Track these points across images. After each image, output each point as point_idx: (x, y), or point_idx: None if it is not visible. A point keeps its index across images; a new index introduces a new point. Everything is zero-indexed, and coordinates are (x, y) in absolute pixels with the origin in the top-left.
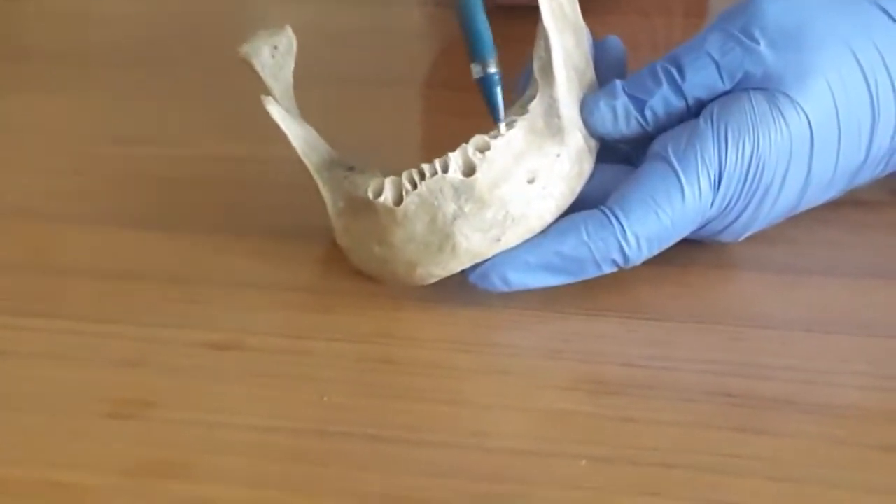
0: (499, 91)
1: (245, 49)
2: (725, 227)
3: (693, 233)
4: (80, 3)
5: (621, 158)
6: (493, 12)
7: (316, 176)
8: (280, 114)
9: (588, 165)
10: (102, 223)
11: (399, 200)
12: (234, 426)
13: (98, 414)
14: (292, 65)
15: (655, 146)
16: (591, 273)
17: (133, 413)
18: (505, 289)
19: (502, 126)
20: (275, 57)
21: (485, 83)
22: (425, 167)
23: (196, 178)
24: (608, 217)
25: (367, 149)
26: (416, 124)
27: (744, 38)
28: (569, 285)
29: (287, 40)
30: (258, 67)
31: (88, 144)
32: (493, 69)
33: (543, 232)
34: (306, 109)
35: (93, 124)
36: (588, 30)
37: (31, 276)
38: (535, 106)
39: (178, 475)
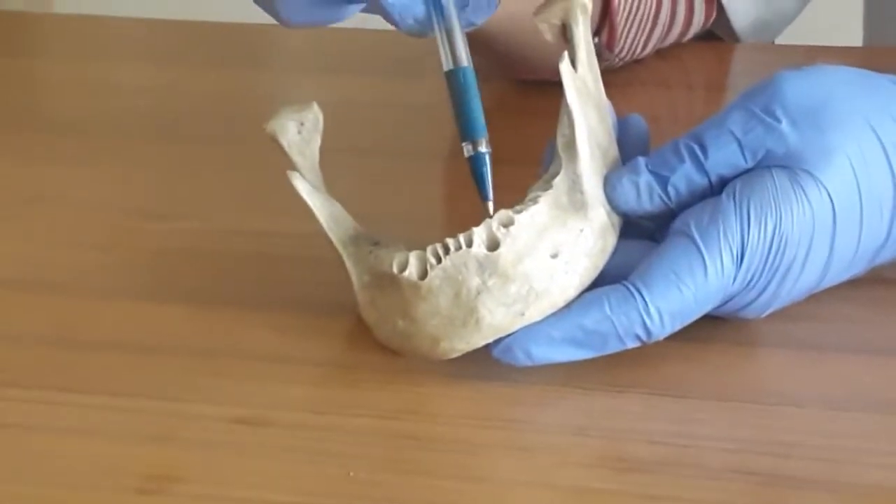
0: (487, 171)
1: (271, 126)
2: (748, 304)
3: (715, 309)
4: (108, 74)
5: (644, 235)
6: (514, 85)
7: (341, 250)
8: (306, 189)
9: (611, 241)
10: (128, 297)
11: (423, 275)
12: (260, 501)
13: (126, 489)
14: (318, 140)
15: (678, 222)
16: (615, 347)
17: (160, 488)
18: (528, 363)
19: (490, 205)
20: (301, 133)
21: (474, 162)
22: (450, 242)
23: (222, 251)
24: (631, 292)
25: (393, 222)
26: (442, 197)
27: (765, 117)
28: (592, 361)
29: (313, 116)
30: (284, 144)
31: (114, 218)
32: (483, 148)
33: (567, 306)
34: (332, 183)
35: (119, 197)
36: (611, 105)
37: (57, 350)
38: (559, 182)
39: None
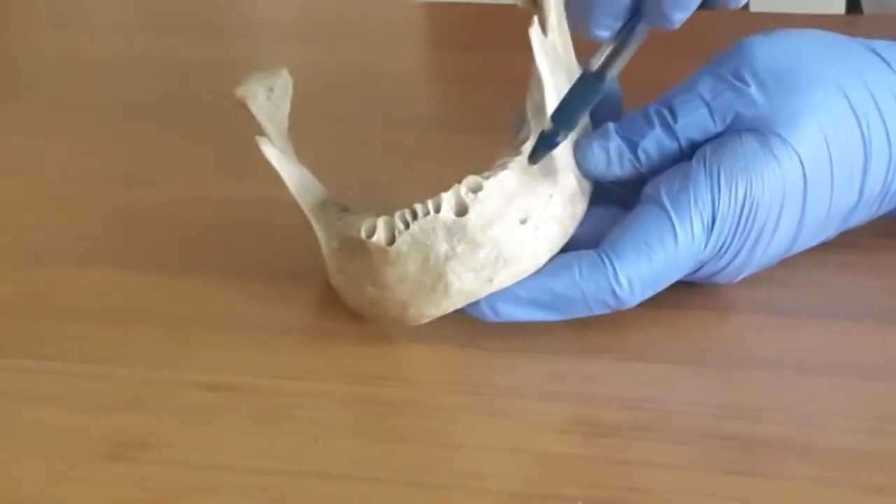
0: (544, 151)
1: (241, 91)
2: (720, 270)
3: (687, 275)
4: (78, 42)
5: (616, 201)
6: (484, 52)
7: (310, 216)
8: (274, 154)
9: (581, 207)
10: (97, 265)
11: (392, 240)
12: (230, 468)
13: (94, 456)
14: (288, 107)
15: (648, 189)
16: (582, 313)
17: (129, 455)
18: (494, 318)
19: (520, 140)
20: (270, 99)
21: (544, 139)
22: (418, 207)
23: (191, 219)
24: (601, 259)
25: (363, 190)
26: (413, 166)
27: (735, 81)
28: (563, 326)
29: (283, 82)
30: (254, 109)
31: (83, 186)
32: (559, 138)
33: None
34: (302, 151)
35: (87, 165)
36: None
37: (26, 317)
38: (528, 147)
39: None
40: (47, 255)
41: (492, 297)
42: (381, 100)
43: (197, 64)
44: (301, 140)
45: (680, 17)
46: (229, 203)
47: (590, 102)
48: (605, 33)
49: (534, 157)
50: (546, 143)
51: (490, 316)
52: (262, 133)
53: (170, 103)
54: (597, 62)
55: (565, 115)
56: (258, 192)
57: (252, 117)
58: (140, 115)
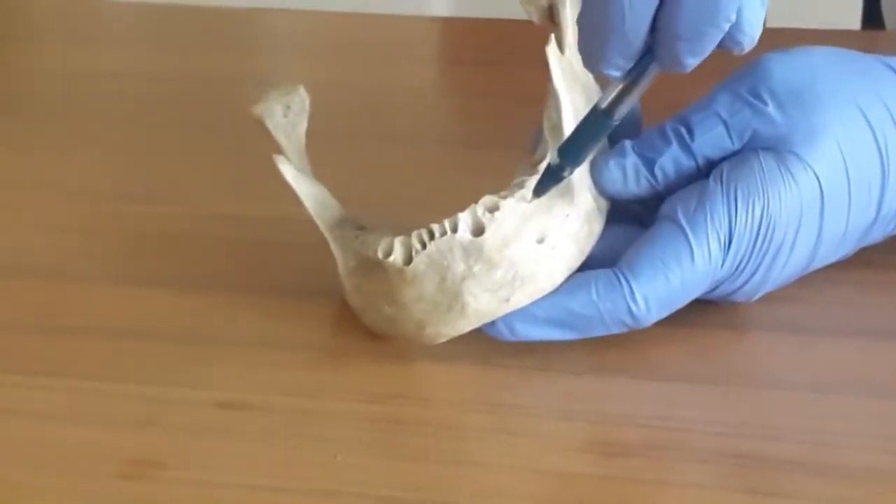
0: (550, 186)
1: (258, 109)
2: (737, 289)
3: (704, 293)
4: (94, 58)
5: (633, 219)
6: (502, 69)
7: (327, 235)
8: (291, 173)
9: (598, 226)
10: (111, 282)
11: (408, 260)
12: (246, 487)
13: (108, 475)
14: (305, 124)
15: (665, 208)
16: (599, 332)
17: (143, 474)
18: (510, 338)
19: (537, 159)
20: (287, 116)
21: (550, 173)
22: (435, 227)
23: (206, 236)
24: (618, 278)
25: (381, 207)
26: (430, 182)
27: (752, 99)
28: (579, 345)
29: (300, 99)
30: (271, 127)
31: (96, 203)
32: (565, 174)
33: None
34: (319, 167)
35: (101, 182)
36: (599, 89)
37: (38, 335)
38: (542, 167)
39: None
40: (62, 271)
41: (508, 317)
42: (397, 116)
43: (213, 80)
44: (318, 157)
45: (692, 62)
46: (245, 220)
47: (598, 139)
48: (616, 73)
49: (538, 191)
50: (552, 177)
51: (507, 335)
52: (280, 150)
53: (185, 120)
54: (606, 100)
55: (572, 150)
56: (275, 209)
57: (269, 135)
58: (156, 132)
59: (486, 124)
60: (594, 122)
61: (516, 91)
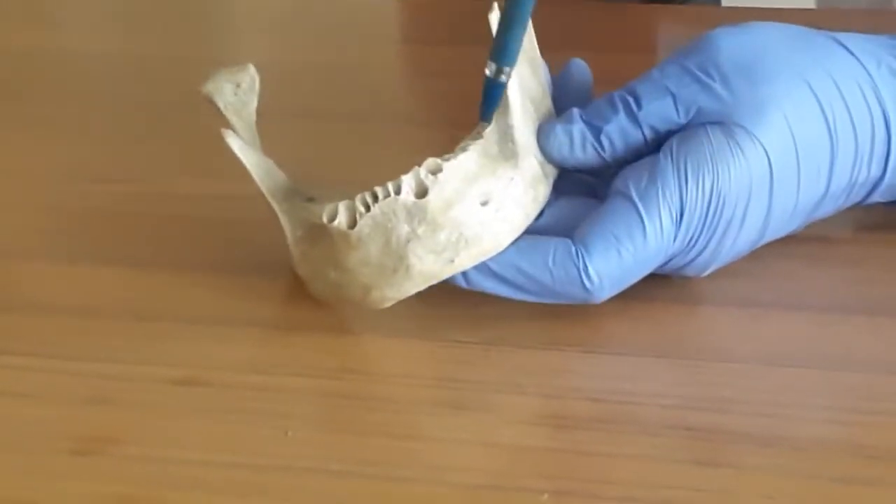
0: (498, 98)
1: (208, 87)
2: (689, 263)
3: (656, 268)
4: (44, 40)
5: (588, 192)
6: (451, 47)
7: (275, 206)
8: (239, 145)
9: (544, 191)
10: (63, 260)
11: (353, 224)
12: (197, 462)
13: (62, 451)
14: (255, 102)
15: (617, 182)
16: (550, 300)
17: (97, 450)
18: (463, 285)
19: (482, 126)
20: (237, 94)
21: (491, 85)
22: (378, 189)
23: (158, 215)
24: (576, 251)
25: (332, 184)
26: (383, 160)
27: (699, 74)
28: (533, 319)
29: (250, 78)
30: (221, 105)
31: (54, 181)
32: (503, 78)
33: (515, 245)
34: (272, 146)
35: (58, 161)
36: (545, 64)
37: None
38: (490, 132)
39: None
40: (13, 250)
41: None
42: (351, 94)
43: (165, 60)
44: (270, 136)
45: None
46: (196, 198)
47: (522, 25)
48: None
49: (486, 113)
50: (494, 91)
51: (460, 282)
52: (231, 129)
53: (138, 100)
54: None
55: (502, 48)
56: (225, 187)
57: (220, 114)
58: (108, 112)
59: (441, 103)
60: (512, 6)
61: (472, 70)
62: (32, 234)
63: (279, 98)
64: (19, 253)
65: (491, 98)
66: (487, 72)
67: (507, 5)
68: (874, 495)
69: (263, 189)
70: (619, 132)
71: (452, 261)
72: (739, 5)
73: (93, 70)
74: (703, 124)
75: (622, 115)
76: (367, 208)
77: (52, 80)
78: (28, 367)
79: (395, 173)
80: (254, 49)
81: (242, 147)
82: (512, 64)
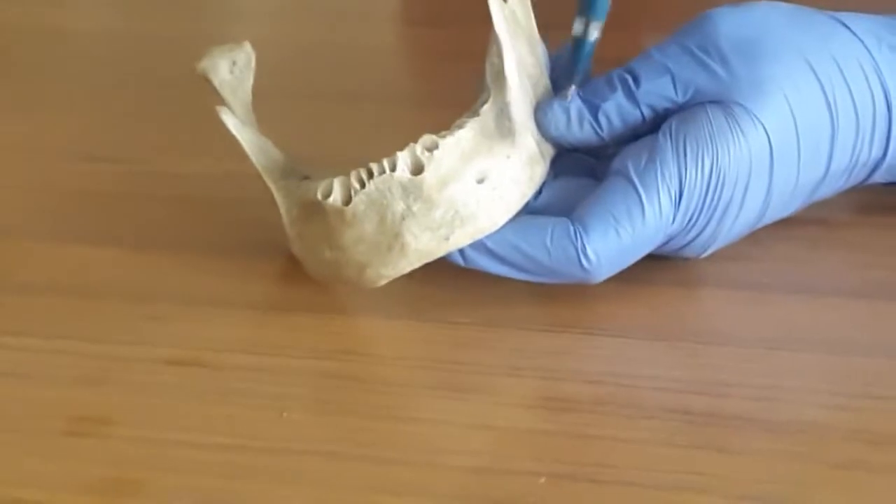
0: (587, 57)
1: (203, 64)
2: (688, 243)
3: (655, 248)
4: (38, 18)
5: (587, 172)
6: (446, 29)
7: (271, 184)
8: (234, 123)
9: (541, 170)
10: (60, 240)
11: (348, 200)
12: (194, 444)
13: (55, 432)
14: (251, 80)
15: (616, 163)
16: (548, 279)
17: (91, 431)
18: (461, 263)
19: (573, 88)
20: (233, 72)
21: (578, 43)
22: (373, 166)
23: (156, 195)
24: (574, 229)
25: (329, 164)
26: (381, 141)
27: (699, 53)
28: (530, 300)
29: (245, 56)
30: (216, 83)
31: (49, 160)
32: (593, 34)
33: (513, 223)
34: (268, 125)
35: (54, 140)
36: (542, 41)
37: None
38: (487, 109)
39: (135, 493)
40: (6, 229)
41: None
42: (349, 75)
43: (161, 39)
44: (267, 115)
45: None
46: (192, 178)
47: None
48: None
49: (576, 73)
50: (582, 47)
51: (457, 259)
52: (226, 107)
53: (133, 79)
54: None
55: (590, 1)
56: (223, 167)
57: (215, 91)
58: (103, 91)
59: (439, 83)
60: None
61: (471, 51)
62: (25, 214)
63: (277, 77)
64: (12, 232)
65: (579, 56)
66: (574, 30)
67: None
68: (875, 480)
69: (259, 167)
70: (617, 110)
71: (448, 238)
72: None
73: (88, 48)
74: (703, 104)
75: (620, 94)
76: (363, 185)
77: (47, 60)
78: (20, 346)
79: (393, 153)
80: (251, 28)
81: (237, 125)
82: (602, 19)
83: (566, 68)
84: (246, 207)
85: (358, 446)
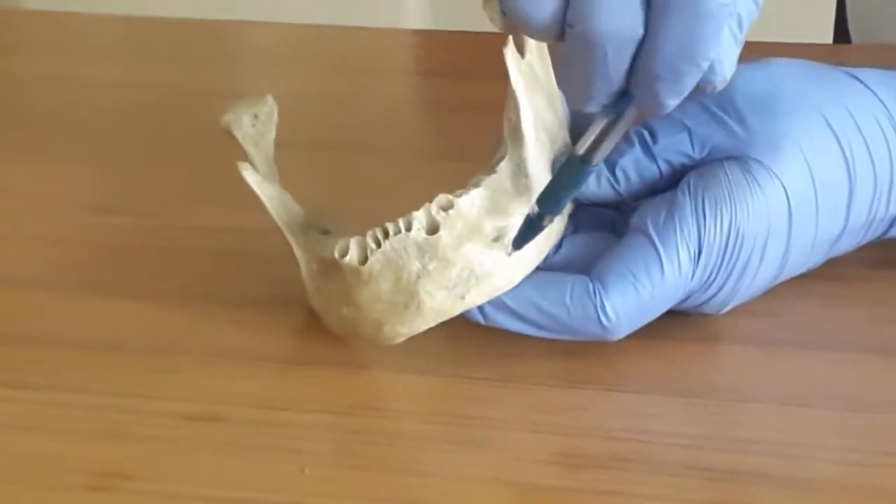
0: (532, 235)
1: (226, 118)
2: (707, 300)
3: (675, 305)
4: (74, 70)
5: (607, 227)
6: (468, 82)
7: (291, 239)
8: (254, 178)
9: (557, 227)
10: (80, 292)
11: (364, 260)
12: (213, 499)
13: (76, 487)
14: (273, 133)
15: (635, 219)
16: (567, 336)
17: (111, 486)
18: (480, 321)
19: (512, 251)
20: (255, 126)
21: (530, 223)
22: (389, 226)
23: (175, 248)
24: (593, 287)
25: (348, 217)
26: (399, 193)
27: (716, 110)
28: (549, 355)
29: (268, 109)
30: (239, 136)
31: (67, 213)
32: (544, 223)
33: (532, 279)
34: (289, 177)
35: (72, 192)
36: (562, 94)
37: (7, 345)
38: (504, 166)
39: None
40: (27, 281)
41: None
42: (367, 127)
43: (184, 92)
44: (288, 167)
45: (672, 103)
46: (212, 232)
47: (576, 186)
48: (595, 110)
49: (518, 242)
50: (531, 227)
51: (477, 318)
52: (248, 160)
53: (158, 132)
54: (583, 146)
55: (551, 199)
56: (243, 220)
57: (238, 145)
58: (124, 143)
59: (459, 136)
60: (571, 168)
61: (490, 103)
62: (45, 266)
63: (296, 129)
64: (33, 285)
65: (527, 231)
66: (530, 211)
67: (566, 163)
68: None
69: (279, 222)
70: (635, 166)
71: (463, 297)
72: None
73: (106, 100)
74: (720, 160)
75: (637, 149)
76: (378, 244)
77: (74, 112)
78: (42, 401)
79: (411, 205)
80: (270, 80)
81: (258, 180)
82: (556, 214)
83: (525, 240)
84: (265, 261)
85: (377, 501)
